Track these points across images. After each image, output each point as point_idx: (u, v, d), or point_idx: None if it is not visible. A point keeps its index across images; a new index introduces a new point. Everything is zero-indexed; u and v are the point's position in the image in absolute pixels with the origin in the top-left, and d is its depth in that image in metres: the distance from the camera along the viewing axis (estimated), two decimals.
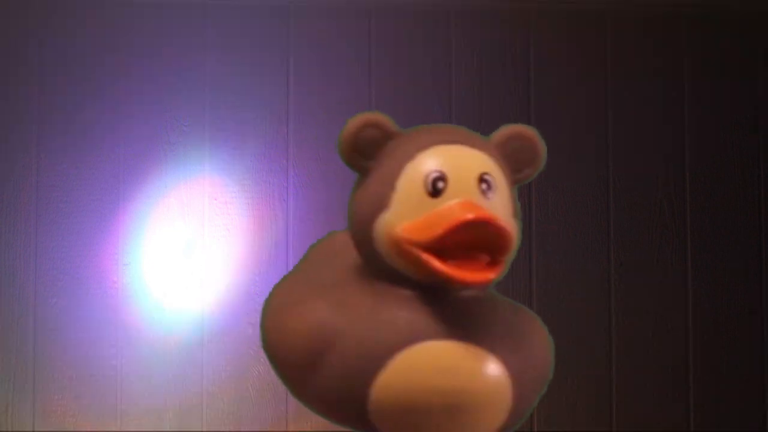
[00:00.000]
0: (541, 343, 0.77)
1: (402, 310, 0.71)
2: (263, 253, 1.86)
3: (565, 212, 1.94)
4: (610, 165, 1.96)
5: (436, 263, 0.69)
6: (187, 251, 1.86)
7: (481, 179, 0.71)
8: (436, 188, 0.71)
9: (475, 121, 1.92)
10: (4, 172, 1.84)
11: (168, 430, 1.82)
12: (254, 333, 1.97)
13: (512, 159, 0.75)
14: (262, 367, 1.82)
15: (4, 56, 1.85)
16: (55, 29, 1.86)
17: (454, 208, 0.69)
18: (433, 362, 0.70)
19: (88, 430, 1.81)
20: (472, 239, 0.69)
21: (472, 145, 0.74)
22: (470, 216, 0.68)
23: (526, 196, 1.91)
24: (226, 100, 1.89)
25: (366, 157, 0.74)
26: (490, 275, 0.69)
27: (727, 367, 1.95)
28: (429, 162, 0.72)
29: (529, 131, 0.76)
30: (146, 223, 1.85)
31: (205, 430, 1.83)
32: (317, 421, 1.90)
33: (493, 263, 0.70)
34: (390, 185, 0.72)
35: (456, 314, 0.71)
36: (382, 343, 0.70)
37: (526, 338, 0.75)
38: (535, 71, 1.96)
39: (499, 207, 0.71)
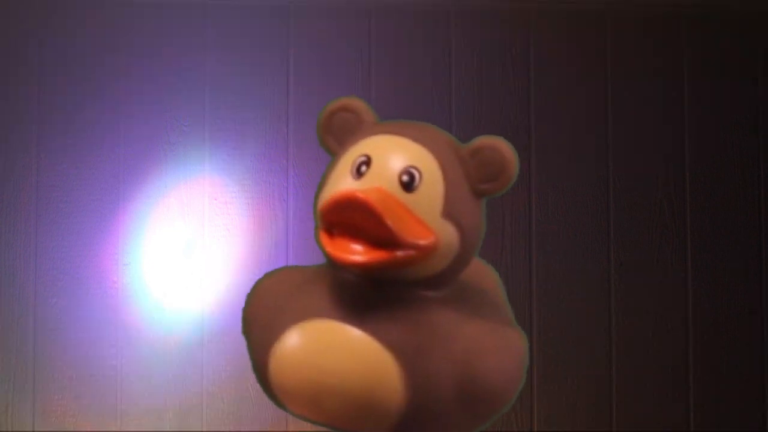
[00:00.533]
0: (486, 359, 0.72)
1: (321, 291, 0.73)
2: (263, 253, 1.86)
3: (565, 212, 1.94)
4: (610, 165, 1.96)
5: (321, 236, 0.71)
6: (187, 251, 1.86)
7: (405, 171, 0.71)
8: (359, 171, 0.72)
9: (475, 121, 1.92)
10: (4, 172, 1.84)
11: (168, 430, 1.82)
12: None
13: (481, 169, 0.74)
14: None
15: (4, 56, 1.85)
16: (55, 29, 1.86)
17: (342, 187, 0.71)
18: (312, 338, 0.71)
19: (88, 430, 1.81)
20: (355, 222, 0.69)
21: (416, 140, 0.74)
22: (340, 193, 0.69)
23: (526, 196, 1.91)
24: (226, 100, 1.89)
25: (337, 140, 0.76)
26: (358, 258, 0.69)
27: (727, 367, 1.95)
28: (364, 147, 0.73)
29: (501, 145, 0.74)
30: (146, 223, 1.85)
31: (205, 430, 1.83)
32: None
33: (380, 249, 0.69)
34: (333, 165, 0.75)
35: (372, 303, 0.71)
36: (285, 316, 0.73)
37: (458, 345, 0.72)
38: (535, 71, 1.96)
39: (420, 202, 0.71)
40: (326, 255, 0.71)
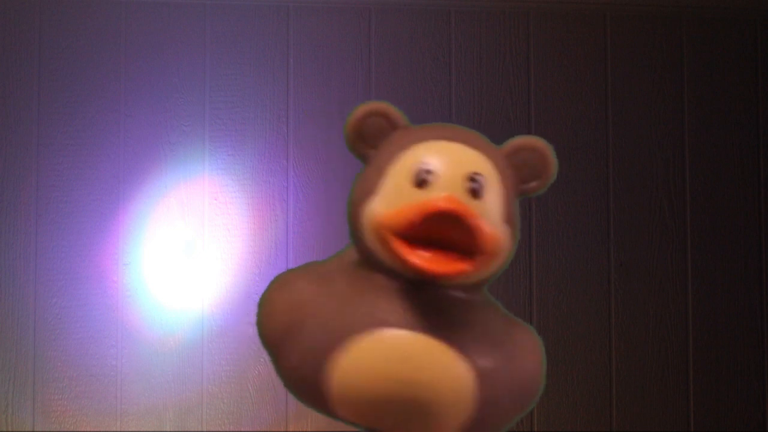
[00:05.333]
0: (526, 355, 0.74)
1: (373, 297, 0.72)
2: (263, 253, 1.86)
3: (565, 212, 1.94)
4: (610, 165, 1.96)
5: (404, 250, 0.69)
6: (187, 251, 1.86)
7: (470, 178, 0.71)
8: (422, 180, 0.71)
9: (475, 121, 1.92)
10: (4, 172, 1.84)
11: (168, 430, 1.82)
12: (254, 333, 1.97)
13: (521, 169, 0.75)
14: (262, 367, 1.82)
15: (4, 56, 1.85)
16: (55, 29, 1.86)
17: (431, 197, 0.69)
18: (390, 349, 0.70)
19: (88, 430, 1.81)
20: (444, 233, 0.69)
21: (470, 144, 0.73)
22: (441, 205, 0.68)
23: (526, 197, 1.91)
24: (226, 100, 1.89)
25: (369, 144, 0.74)
26: (458, 268, 0.69)
27: (727, 367, 1.95)
28: (420, 154, 0.72)
29: (541, 144, 0.75)
30: (146, 223, 1.85)
31: (205, 430, 1.83)
32: (317, 421, 1.90)
33: (463, 259, 0.69)
34: (381, 172, 0.73)
35: (431, 309, 0.71)
36: (344, 324, 0.71)
37: (504, 346, 0.73)
38: (535, 71, 1.96)
39: (487, 208, 0.71)
40: (414, 267, 0.69)
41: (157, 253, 1.85)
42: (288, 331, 0.73)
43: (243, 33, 1.90)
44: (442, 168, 0.71)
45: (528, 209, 1.92)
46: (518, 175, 0.75)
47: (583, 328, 1.92)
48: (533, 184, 0.75)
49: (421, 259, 0.69)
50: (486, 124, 1.92)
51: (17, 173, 1.84)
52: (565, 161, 1.97)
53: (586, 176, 1.95)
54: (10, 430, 1.79)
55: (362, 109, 0.74)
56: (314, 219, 1.86)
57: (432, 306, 0.71)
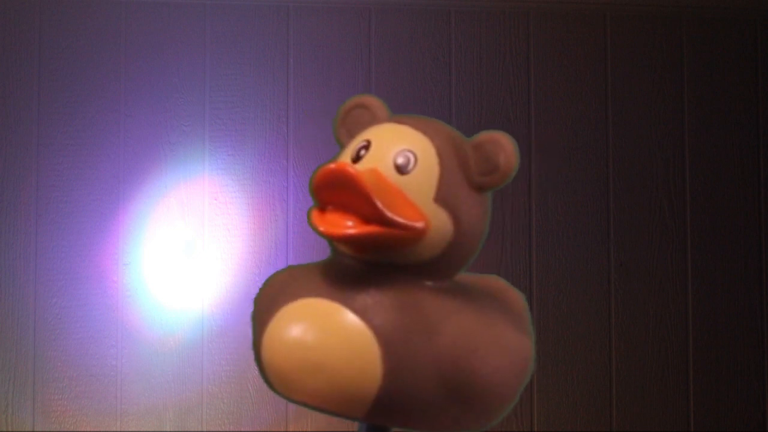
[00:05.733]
0: (487, 350, 0.72)
1: (319, 273, 0.75)
2: (263, 253, 1.86)
3: (565, 212, 1.94)
4: (610, 165, 1.96)
5: (312, 212, 0.72)
6: (187, 251, 1.86)
7: (401, 154, 0.73)
8: (358, 155, 0.74)
9: (475, 121, 1.92)
10: (4, 172, 1.84)
11: (168, 430, 1.82)
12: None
13: (483, 162, 0.75)
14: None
15: (4, 56, 1.85)
16: (55, 29, 1.86)
17: (330, 164, 0.71)
18: (298, 315, 0.72)
19: (88, 430, 1.81)
20: (341, 198, 0.70)
21: (417, 128, 0.75)
22: (328, 168, 0.70)
23: (526, 196, 1.91)
24: (226, 100, 1.89)
25: (349, 134, 0.77)
26: (347, 231, 0.70)
27: (727, 367, 1.95)
28: (366, 134, 0.75)
29: (500, 137, 0.75)
30: (146, 223, 1.85)
31: (205, 430, 1.83)
32: (317, 421, 1.90)
33: (363, 223, 0.70)
34: (340, 153, 0.77)
35: (364, 285, 0.72)
36: (280, 298, 0.74)
37: (447, 331, 0.71)
38: (535, 71, 1.96)
39: (413, 184, 0.72)
40: (316, 230, 0.71)
41: (157, 253, 1.85)
42: (254, 313, 0.79)
43: (243, 33, 1.90)
44: (376, 144, 0.74)
45: (528, 209, 1.92)
46: (479, 167, 0.75)
47: (583, 328, 1.92)
48: (490, 177, 0.75)
49: (317, 217, 0.71)
50: (486, 124, 1.92)
51: (17, 173, 1.84)
52: (565, 161, 1.97)
53: (586, 176, 1.95)
54: (10, 430, 1.79)
55: (349, 102, 0.77)
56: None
57: (370, 283, 0.72)
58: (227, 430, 1.83)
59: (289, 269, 0.81)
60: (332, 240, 0.73)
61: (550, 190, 1.93)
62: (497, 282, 0.82)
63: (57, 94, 1.85)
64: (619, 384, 1.92)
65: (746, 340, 1.96)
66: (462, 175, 0.74)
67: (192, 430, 1.82)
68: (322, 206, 0.72)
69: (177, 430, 1.82)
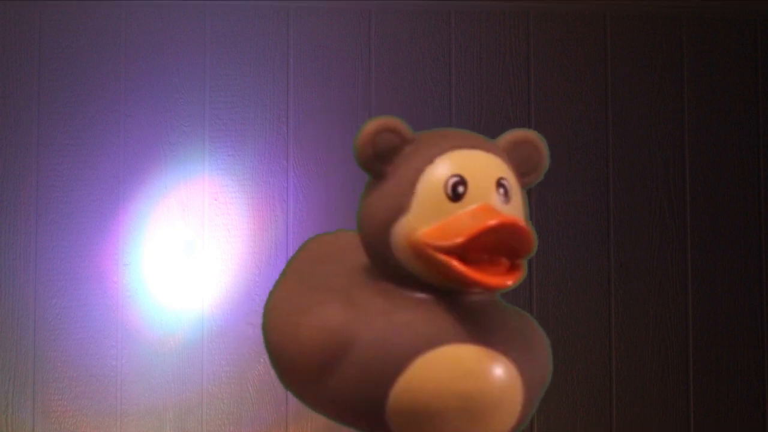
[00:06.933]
0: (541, 346, 0.78)
1: (418, 314, 0.72)
2: (263, 253, 1.86)
3: (565, 212, 1.94)
4: (610, 165, 1.96)
5: (461, 267, 0.70)
6: (187, 251, 1.86)
7: (499, 184, 0.73)
8: (456, 192, 0.72)
9: (475, 121, 1.92)
10: (4, 172, 1.84)
11: (168, 430, 1.82)
12: (254, 333, 1.98)
13: (519, 163, 0.76)
14: (262, 367, 1.82)
15: (4, 56, 1.85)
16: (55, 29, 1.86)
17: (476, 213, 0.70)
18: (453, 365, 0.71)
19: (88, 430, 1.81)
20: (493, 244, 0.70)
21: (488, 149, 0.75)
22: (493, 222, 0.69)
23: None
24: (226, 100, 1.89)
25: (382, 161, 0.74)
26: (512, 279, 0.71)
27: (727, 367, 1.95)
28: (448, 166, 0.73)
29: (535, 137, 0.77)
30: (146, 223, 1.85)
31: (205, 430, 1.83)
32: (317, 422, 1.89)
33: (513, 267, 0.71)
34: (409, 189, 0.73)
35: (470, 318, 0.72)
36: (401, 346, 0.71)
37: (530, 341, 0.76)
38: (535, 71, 1.96)
39: (517, 210, 0.73)
40: (472, 282, 0.70)
41: (157, 253, 1.85)
42: (334, 360, 0.72)
43: (243, 33, 1.90)
44: (472, 178, 0.72)
45: (528, 209, 1.92)
46: (520, 168, 0.76)
47: (583, 328, 1.92)
48: (530, 177, 0.77)
49: (477, 273, 0.70)
50: (486, 124, 1.92)
51: (17, 173, 1.84)
52: (565, 161, 1.97)
53: (586, 176, 1.95)
54: (9, 430, 1.79)
55: (371, 126, 0.73)
56: (314, 219, 1.86)
57: (469, 315, 0.73)
58: (227, 430, 1.83)
59: (331, 306, 0.74)
60: (492, 290, 0.72)
61: (550, 190, 1.93)
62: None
63: (57, 94, 1.85)
64: (619, 384, 1.92)
65: (746, 340, 1.96)
66: (519, 183, 0.76)
67: (192, 430, 1.82)
68: (462, 253, 0.70)
69: (177, 430, 1.82)
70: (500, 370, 0.71)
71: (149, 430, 1.81)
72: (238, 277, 1.85)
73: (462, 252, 0.70)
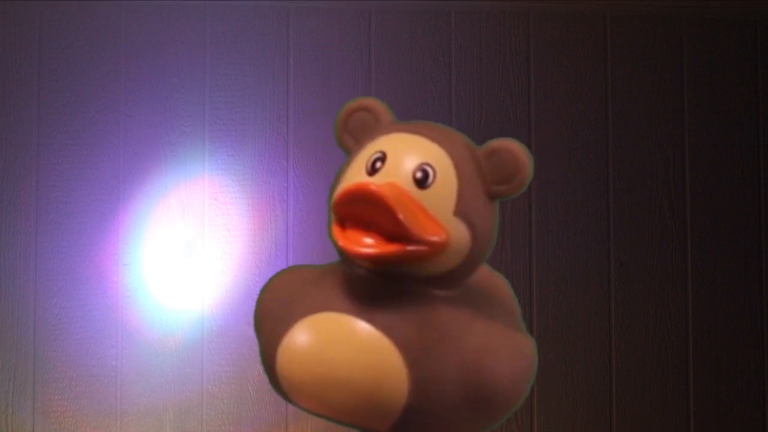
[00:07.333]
0: (496, 360, 0.73)
1: (332, 286, 0.74)
2: (263, 253, 1.86)
3: (565, 212, 1.94)
4: (610, 165, 1.96)
5: (333, 228, 0.72)
6: (187, 251, 1.86)
7: (420, 168, 0.72)
8: (374, 167, 0.72)
9: (475, 121, 1.92)
10: (4, 172, 1.84)
11: (168, 430, 1.82)
12: (254, 333, 1.97)
13: (496, 171, 0.75)
14: (262, 367, 1.82)
15: (4, 56, 1.85)
16: (55, 29, 1.86)
17: (353, 181, 0.71)
18: (321, 331, 0.72)
19: (88, 430, 1.81)
20: (366, 215, 0.70)
21: (432, 139, 0.74)
22: (352, 186, 0.70)
23: (526, 196, 1.91)
24: (226, 100, 1.89)
25: (354, 139, 0.76)
26: (372, 250, 0.70)
27: (727, 368, 1.95)
28: (380, 144, 0.74)
29: (516, 147, 0.75)
30: (146, 223, 1.85)
31: (205, 430, 1.83)
32: (317, 422, 1.89)
33: (385, 242, 0.70)
34: (349, 162, 0.75)
35: (383, 298, 0.72)
36: (295, 310, 0.73)
37: (460, 345, 0.72)
38: (535, 71, 1.96)
39: (433, 198, 0.72)
40: (337, 248, 0.71)
41: (157, 253, 1.85)
42: (259, 325, 0.78)
43: (243, 33, 1.90)
44: (393, 156, 0.72)
45: (528, 209, 1.92)
46: (493, 176, 0.75)
47: (583, 328, 1.92)
48: (505, 186, 0.75)
49: (340, 235, 0.71)
50: (486, 124, 1.92)
51: (17, 173, 1.84)
52: (565, 161, 1.97)
53: (586, 176, 1.95)
54: (9, 430, 1.79)
55: (349, 105, 0.76)
56: (314, 219, 1.86)
57: (387, 297, 0.72)
58: (227, 430, 1.83)
59: (295, 272, 0.79)
60: (357, 257, 0.72)
61: (550, 190, 1.93)
62: (483, 270, 0.81)
63: (57, 94, 1.85)
64: (619, 384, 1.92)
65: (746, 340, 1.96)
66: (478, 185, 0.74)
67: (192, 430, 1.82)
68: (341, 221, 0.72)
69: (177, 430, 1.82)
70: (367, 343, 0.70)
71: (149, 430, 1.81)
72: (238, 277, 1.85)
73: (339, 217, 0.72)
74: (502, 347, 0.73)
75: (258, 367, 1.99)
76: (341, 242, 0.70)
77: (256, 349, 1.89)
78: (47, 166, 1.84)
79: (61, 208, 1.84)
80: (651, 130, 1.97)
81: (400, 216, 0.69)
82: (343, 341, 0.71)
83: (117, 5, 1.88)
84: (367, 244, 0.70)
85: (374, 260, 0.71)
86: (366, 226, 0.70)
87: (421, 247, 0.70)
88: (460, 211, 0.73)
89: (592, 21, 1.98)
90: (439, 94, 1.93)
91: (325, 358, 0.71)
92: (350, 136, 0.76)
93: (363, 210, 0.70)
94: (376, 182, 0.70)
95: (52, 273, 1.82)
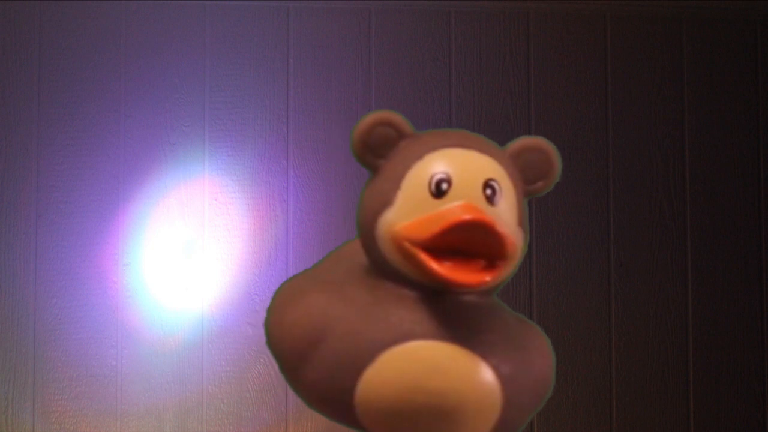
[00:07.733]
0: (540, 355, 0.76)
1: (397, 308, 0.72)
2: (263, 253, 1.86)
3: (565, 212, 1.94)
4: (610, 165, 1.96)
5: (431, 262, 0.69)
6: (187, 251, 1.86)
7: (487, 185, 0.72)
8: (440, 190, 0.71)
9: (475, 121, 1.92)
10: (4, 172, 1.84)
11: (168, 430, 1.82)
12: (254, 333, 1.98)
13: (526, 170, 0.76)
14: (262, 367, 1.82)
15: (4, 56, 1.85)
16: (55, 29, 1.86)
17: (453, 208, 0.69)
18: (421, 361, 0.70)
19: (88, 430, 1.81)
20: (469, 242, 0.69)
21: (482, 151, 0.74)
22: (467, 217, 0.68)
23: None
24: (226, 100, 1.89)
25: (377, 155, 0.74)
26: (484, 278, 0.69)
27: (727, 368, 1.95)
28: (435, 163, 0.72)
29: (545, 144, 0.76)
30: (146, 223, 1.85)
31: (205, 430, 1.83)
32: (317, 422, 1.90)
33: (489, 267, 0.70)
34: (396, 183, 0.72)
35: (452, 317, 0.71)
36: (373, 337, 0.71)
37: (523, 348, 0.74)
38: (535, 71, 1.96)
39: (503, 214, 0.72)
40: (440, 279, 0.69)
41: (157, 253, 1.85)
42: (311, 346, 0.72)
43: (243, 33, 1.90)
44: (458, 176, 0.71)
45: (528, 209, 1.92)
46: (524, 176, 0.75)
47: (583, 328, 1.92)
48: (538, 184, 0.76)
49: (446, 269, 0.69)
50: (486, 124, 1.92)
51: (17, 173, 1.84)
52: (565, 161, 1.96)
53: (586, 176, 1.95)
54: (10, 430, 1.79)
55: (369, 119, 0.73)
56: (314, 219, 1.86)
57: (452, 314, 0.72)
58: (227, 430, 1.83)
59: (315, 295, 0.75)
60: (463, 288, 0.71)
61: (551, 191, 1.93)
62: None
63: (57, 94, 1.85)
64: (619, 384, 1.92)
65: (746, 340, 1.96)
66: (520, 190, 0.75)
67: (192, 430, 1.82)
68: (434, 251, 0.70)
69: (177, 430, 1.82)
70: (472, 370, 0.70)
71: (149, 430, 1.81)
72: (238, 277, 1.85)
73: (436, 247, 0.69)
74: (542, 346, 0.77)
75: (258, 368, 1.99)
76: (448, 274, 0.69)
77: (256, 349, 1.89)
78: (47, 167, 1.84)
79: (61, 208, 1.84)
80: (651, 130, 1.97)
81: (508, 242, 0.70)
82: (443, 371, 0.70)
83: (117, 5, 1.88)
84: (479, 271, 0.70)
85: (483, 286, 0.71)
86: (463, 254, 0.70)
87: (509, 264, 0.71)
88: (521, 221, 0.74)
89: (592, 21, 1.98)
90: (439, 94, 1.93)
91: (426, 388, 0.70)
92: (373, 152, 0.74)
93: (465, 238, 0.69)
94: (481, 210, 0.69)
95: (52, 273, 1.82)
